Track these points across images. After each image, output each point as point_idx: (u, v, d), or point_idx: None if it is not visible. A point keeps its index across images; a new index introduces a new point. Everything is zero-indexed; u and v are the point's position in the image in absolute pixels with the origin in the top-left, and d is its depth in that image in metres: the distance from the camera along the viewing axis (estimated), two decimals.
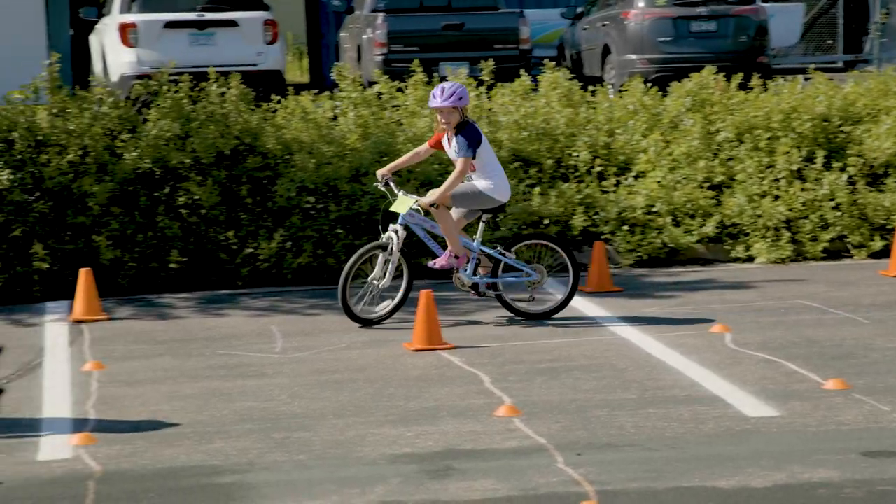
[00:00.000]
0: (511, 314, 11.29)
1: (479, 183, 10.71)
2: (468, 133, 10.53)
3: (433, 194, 10.58)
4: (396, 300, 11.13)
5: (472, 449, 7.91)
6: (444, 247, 11.35)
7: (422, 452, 7.86)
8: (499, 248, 11.10)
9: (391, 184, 10.91)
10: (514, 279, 11.17)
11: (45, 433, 8.39)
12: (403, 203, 10.78)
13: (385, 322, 11.21)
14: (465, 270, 10.97)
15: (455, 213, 10.83)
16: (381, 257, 10.87)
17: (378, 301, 11.09)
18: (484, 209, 10.88)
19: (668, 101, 14.78)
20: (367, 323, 11.04)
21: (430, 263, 10.92)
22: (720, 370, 9.53)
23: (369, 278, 10.93)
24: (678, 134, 14.36)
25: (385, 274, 10.85)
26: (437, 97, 10.55)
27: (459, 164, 10.53)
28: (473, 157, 10.60)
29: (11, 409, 8.87)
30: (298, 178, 13.26)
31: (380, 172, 10.94)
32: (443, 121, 10.59)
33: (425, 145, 10.90)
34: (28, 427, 8.53)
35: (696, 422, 8.32)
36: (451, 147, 10.66)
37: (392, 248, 10.84)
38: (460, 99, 10.53)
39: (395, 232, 10.87)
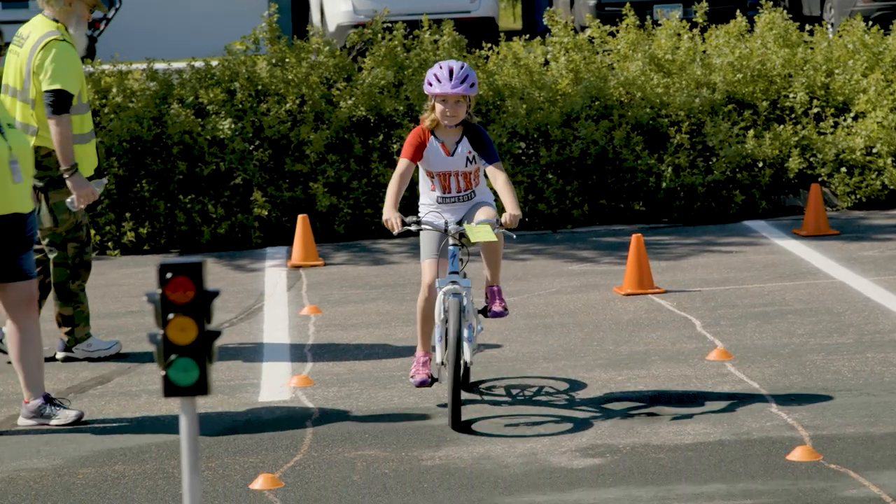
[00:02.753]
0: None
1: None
2: (485, 134, 7.61)
3: (516, 207, 7.43)
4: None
5: (684, 393, 7.88)
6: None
7: (632, 396, 7.87)
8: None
9: (422, 221, 7.57)
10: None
11: (265, 375, 8.64)
12: (482, 229, 7.46)
13: (595, 266, 11.20)
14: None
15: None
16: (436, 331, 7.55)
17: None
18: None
19: (890, 39, 14.37)
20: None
21: (494, 311, 7.91)
22: None
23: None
24: None
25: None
26: (444, 80, 7.47)
27: (501, 173, 7.54)
28: None
29: (234, 352, 9.15)
30: (510, 123, 13.30)
31: (395, 219, 7.36)
32: (447, 113, 7.47)
33: (405, 161, 7.51)
34: (249, 369, 8.78)
35: None
36: (456, 153, 7.61)
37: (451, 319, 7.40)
38: (472, 85, 7.51)
39: (457, 295, 7.41)
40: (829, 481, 6.41)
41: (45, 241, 8.83)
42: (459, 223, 7.57)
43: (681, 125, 13.46)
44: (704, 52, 14.22)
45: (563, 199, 13.13)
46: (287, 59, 13.64)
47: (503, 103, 13.50)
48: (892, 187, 13.26)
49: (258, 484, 6.66)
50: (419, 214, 7.69)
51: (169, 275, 4.30)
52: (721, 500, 6.25)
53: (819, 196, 12.28)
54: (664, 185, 13.15)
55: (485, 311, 7.89)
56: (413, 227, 7.42)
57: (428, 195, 7.71)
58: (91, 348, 9.08)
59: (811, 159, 13.46)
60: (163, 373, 4.32)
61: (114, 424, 7.73)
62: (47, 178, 8.70)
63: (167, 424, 7.69)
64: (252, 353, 9.20)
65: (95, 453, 7.30)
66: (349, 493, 6.52)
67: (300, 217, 12.05)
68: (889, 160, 13.30)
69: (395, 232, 7.31)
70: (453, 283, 7.42)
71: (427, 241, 7.59)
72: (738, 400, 7.71)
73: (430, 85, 7.52)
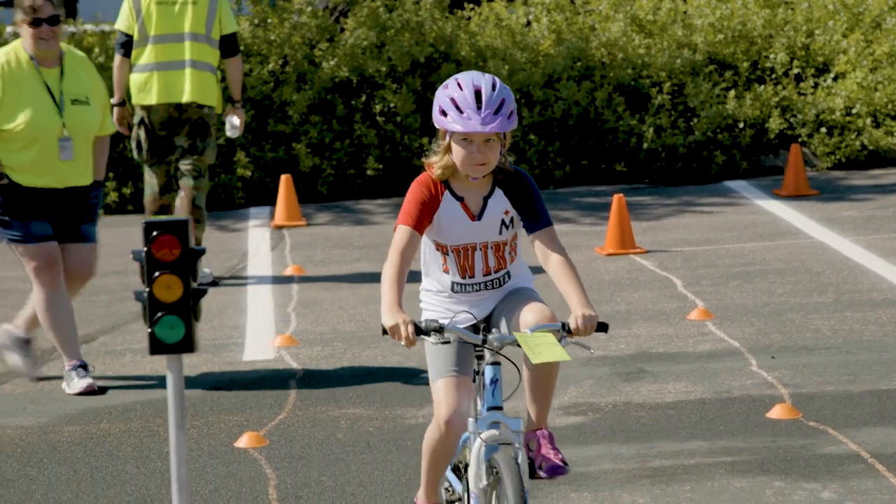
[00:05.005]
0: None
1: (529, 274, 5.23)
2: (531, 182, 5.03)
3: (588, 303, 4.86)
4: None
5: (665, 352, 7.95)
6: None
7: (614, 355, 7.94)
8: None
9: (447, 327, 4.84)
10: None
11: (249, 335, 8.68)
12: (545, 341, 4.76)
13: (577, 226, 11.25)
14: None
15: None
16: None
17: None
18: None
19: (869, 0, 14.42)
20: None
21: (550, 465, 5.07)
22: None
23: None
24: (880, 33, 14.00)
25: None
26: (469, 109, 4.84)
27: (557, 246, 4.95)
28: None
29: (217, 312, 9.19)
30: None
31: (405, 325, 4.72)
32: (474, 160, 4.87)
33: (406, 231, 4.91)
34: (233, 329, 8.83)
35: (895, 324, 8.22)
36: (486, 216, 4.98)
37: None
38: (511, 115, 4.89)
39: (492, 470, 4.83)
40: (808, 438, 6.48)
41: (195, 171, 9.72)
42: (487, 323, 4.98)
43: (662, 86, 13.50)
44: (685, 12, 14.25)
45: (544, 159, 13.17)
46: (269, 20, 13.63)
47: (485, 64, 13.51)
48: (871, 147, 13.32)
49: (243, 442, 6.71)
50: (423, 308, 5.12)
51: (155, 233, 4.34)
52: (702, 458, 6.32)
53: (799, 156, 12.34)
54: (645, 145, 13.20)
55: (531, 469, 5.06)
56: (433, 340, 4.76)
57: (436, 279, 5.04)
58: (203, 275, 9.88)
59: (791, 120, 13.51)
60: (149, 330, 4.36)
61: (99, 383, 7.77)
62: (214, 117, 9.84)
63: (152, 383, 7.74)
64: (236, 312, 9.24)
65: (81, 411, 7.34)
66: (333, 451, 6.58)
67: (283, 177, 12.08)
68: (868, 120, 13.36)
69: (408, 345, 4.68)
70: (497, 424, 4.78)
71: (441, 350, 4.93)
72: (719, 359, 7.78)
73: (444, 115, 4.83)
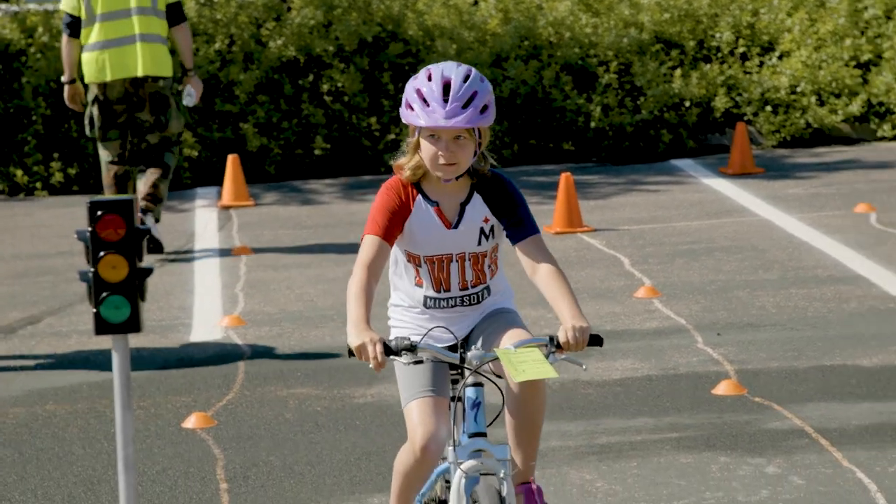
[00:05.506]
0: None
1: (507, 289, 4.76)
2: (512, 186, 4.57)
3: (580, 314, 4.38)
4: None
5: (612, 330, 7.99)
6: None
7: None
8: None
9: (420, 346, 4.33)
10: None
11: (196, 315, 8.66)
12: (530, 357, 4.26)
13: None
14: None
15: None
16: None
17: None
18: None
19: None
20: None
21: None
22: (864, 249, 9.46)
23: None
24: (824, 12, 14.10)
25: None
26: (435, 102, 4.38)
27: (546, 254, 4.52)
28: None
29: (164, 292, 9.16)
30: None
31: (373, 345, 4.20)
32: (441, 159, 4.40)
33: (373, 241, 4.44)
34: (180, 309, 8.80)
35: (838, 301, 8.29)
36: (463, 223, 4.51)
37: None
38: (485, 109, 4.41)
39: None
40: (753, 414, 6.54)
41: (165, 142, 9.98)
42: (465, 343, 4.52)
43: (609, 65, 13.54)
44: None
45: (496, 139, 13.19)
46: None
47: (433, 44, 13.50)
48: (815, 126, 13.42)
49: (190, 422, 6.70)
50: (392, 325, 4.64)
51: (100, 212, 4.31)
52: (648, 434, 6.37)
53: (745, 135, 12.41)
54: (593, 124, 13.24)
55: None
56: (405, 360, 4.24)
57: (406, 293, 4.58)
58: (150, 227, 10.00)
59: (737, 98, 13.59)
60: (94, 310, 4.34)
61: (45, 364, 7.73)
62: (171, 86, 10.04)
63: (98, 364, 7.70)
64: (183, 293, 9.21)
65: (26, 393, 7.30)
66: (281, 431, 6.58)
67: (230, 157, 12.04)
68: (813, 99, 13.45)
69: (377, 367, 4.18)
70: (480, 452, 4.29)
71: (413, 370, 4.48)
72: (666, 336, 7.82)
73: (411, 109, 4.39)
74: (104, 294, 4.34)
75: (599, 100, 13.30)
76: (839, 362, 7.22)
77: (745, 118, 13.51)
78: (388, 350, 4.19)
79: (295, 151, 13.11)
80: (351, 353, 4.22)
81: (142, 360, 7.71)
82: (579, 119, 13.24)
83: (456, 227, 4.50)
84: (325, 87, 13.24)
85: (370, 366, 4.19)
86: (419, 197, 4.50)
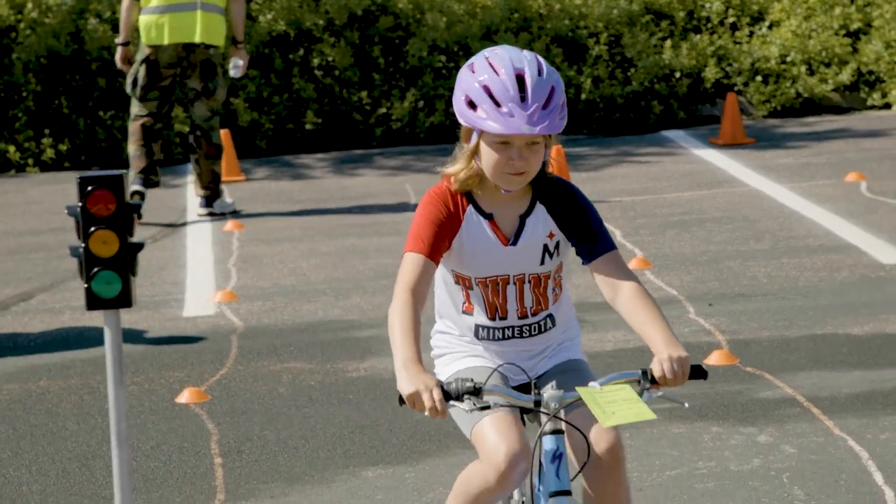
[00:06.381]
0: None
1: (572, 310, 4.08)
2: (580, 195, 3.89)
3: (677, 342, 3.72)
4: None
5: (604, 302, 7.97)
6: None
7: None
8: None
9: (486, 389, 3.64)
10: None
11: (189, 290, 8.67)
12: (619, 395, 3.57)
13: None
14: None
15: None
16: None
17: None
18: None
19: None
20: None
21: None
22: (855, 218, 9.48)
23: None
24: None
25: None
26: (510, 101, 3.68)
27: (628, 273, 3.86)
28: None
29: (157, 268, 9.17)
30: (430, 37, 13.30)
31: (430, 391, 3.52)
32: (512, 168, 3.74)
33: (417, 260, 3.75)
34: (173, 285, 8.81)
35: (829, 270, 8.32)
36: (523, 239, 3.84)
37: None
38: (563, 108, 3.80)
39: None
40: (745, 384, 6.56)
41: (209, 112, 10.33)
42: (537, 383, 3.70)
43: (599, 36, 13.53)
44: None
45: None
46: None
47: (423, 16, 13.49)
48: (806, 95, 13.43)
49: (184, 398, 6.71)
50: (437, 354, 4.01)
51: (90, 188, 4.32)
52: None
53: (735, 105, 12.42)
54: (584, 96, 13.24)
55: None
56: (467, 407, 3.56)
57: (454, 320, 3.95)
58: (226, 205, 10.52)
59: (727, 69, 13.59)
60: (85, 286, 4.35)
61: (38, 340, 7.74)
62: (220, 56, 10.36)
63: (91, 340, 7.71)
64: (176, 268, 9.22)
65: (20, 369, 7.31)
66: (275, 406, 6.59)
67: (221, 132, 12.01)
68: (803, 68, 13.46)
69: (435, 416, 3.54)
70: None
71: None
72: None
73: (473, 108, 3.71)
74: (95, 269, 4.35)
75: (590, 71, 13.29)
76: (830, 331, 7.24)
77: (736, 88, 13.51)
78: (448, 395, 3.53)
79: (286, 126, 13.10)
80: (402, 401, 3.54)
81: (135, 336, 7.73)
82: (570, 91, 13.24)
83: (514, 243, 3.81)
84: (316, 61, 13.23)
85: (426, 414, 3.51)
86: (470, 208, 3.81)
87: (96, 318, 7.81)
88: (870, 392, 6.37)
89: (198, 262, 9.37)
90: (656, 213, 10.02)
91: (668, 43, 13.44)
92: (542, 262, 3.83)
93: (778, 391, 6.45)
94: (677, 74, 13.42)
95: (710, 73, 13.43)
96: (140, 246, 4.39)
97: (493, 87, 3.67)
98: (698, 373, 3.61)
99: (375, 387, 6.79)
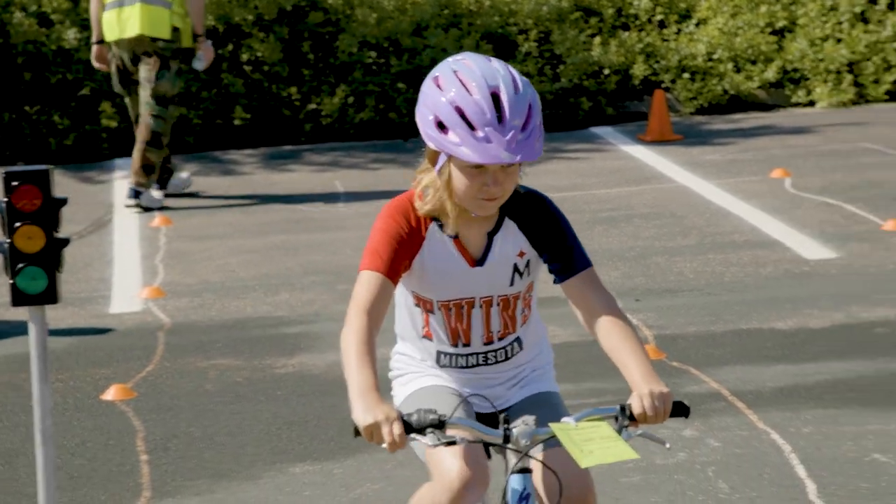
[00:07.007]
0: None
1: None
2: (556, 211, 3.61)
3: (656, 377, 3.45)
4: None
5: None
6: None
7: None
8: None
9: (449, 422, 3.33)
10: None
11: (115, 287, 8.61)
12: (598, 433, 3.30)
13: None
14: None
15: None
16: None
17: None
18: None
19: None
20: None
21: None
22: (780, 214, 9.58)
23: None
24: None
25: None
26: (487, 125, 3.33)
27: (606, 296, 3.56)
28: None
29: (83, 264, 9.10)
30: (360, 32, 13.29)
31: (389, 423, 3.24)
32: (485, 194, 3.42)
33: (374, 279, 3.45)
34: (99, 281, 8.75)
35: (755, 265, 8.40)
36: (490, 258, 3.54)
37: None
38: (540, 129, 3.41)
39: None
40: (671, 378, 6.62)
41: (152, 99, 10.36)
42: (507, 417, 3.36)
43: (529, 33, 13.58)
44: None
45: (413, 107, 13.17)
46: None
47: (353, 12, 13.47)
48: (732, 92, 13.54)
49: (110, 394, 6.67)
50: (396, 375, 3.74)
51: (15, 183, 4.29)
52: (569, 399, 6.36)
53: (663, 102, 12.50)
54: None
55: None
56: (430, 441, 3.27)
57: (414, 344, 3.69)
58: (154, 200, 10.49)
59: (655, 66, 13.68)
60: (10, 281, 4.32)
61: None
62: (173, 47, 10.35)
63: (16, 336, 7.64)
64: (102, 265, 9.16)
65: None
66: (202, 402, 6.57)
67: None
68: (730, 65, 13.57)
69: (393, 449, 3.25)
70: None
71: (430, 401, 3.57)
72: None
73: (443, 131, 3.37)
74: (20, 265, 4.32)
75: (519, 68, 13.33)
76: (755, 326, 7.32)
77: (663, 85, 13.61)
78: (409, 428, 3.25)
79: (215, 121, 13.04)
80: (357, 433, 3.25)
81: (60, 333, 7.67)
82: None
83: (482, 263, 3.50)
84: (245, 56, 13.18)
85: (384, 447, 3.23)
86: (433, 225, 3.47)
87: (21, 314, 7.74)
88: (793, 386, 6.45)
89: (124, 258, 9.31)
90: (584, 209, 10.08)
91: (597, 40, 13.51)
92: (512, 283, 3.52)
93: (704, 385, 6.51)
94: (606, 71, 13.49)
95: (639, 70, 13.51)
96: (66, 241, 4.37)
97: (466, 108, 3.30)
98: (680, 410, 3.38)
99: (304, 383, 6.79)
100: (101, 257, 9.34)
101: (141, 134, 10.42)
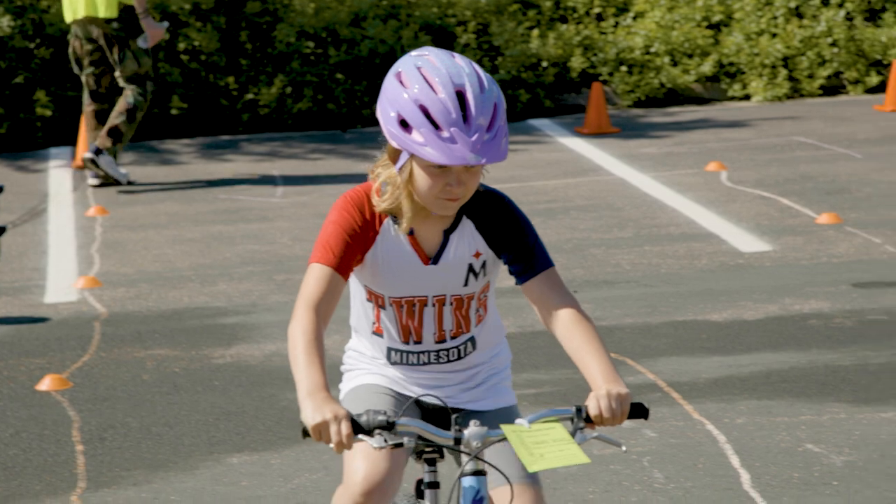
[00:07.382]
0: None
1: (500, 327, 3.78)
2: (517, 211, 3.53)
3: (617, 376, 3.35)
4: None
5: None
6: None
7: None
8: None
9: (399, 423, 3.30)
10: None
11: (51, 276, 8.55)
12: (550, 435, 3.24)
13: None
14: None
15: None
16: None
17: None
18: None
19: None
20: None
21: None
22: (715, 207, 9.66)
23: None
24: None
25: None
26: (452, 125, 3.26)
27: (567, 296, 3.55)
28: None
29: (18, 253, 9.03)
30: (298, 22, 13.25)
31: (338, 422, 3.18)
32: (448, 194, 3.34)
33: (323, 272, 3.37)
34: (34, 271, 8.68)
35: (691, 258, 8.46)
36: (445, 257, 3.47)
37: None
38: (505, 130, 3.36)
39: None
40: None
41: (126, 82, 10.55)
42: (458, 417, 3.31)
43: (467, 25, 13.59)
44: None
45: (352, 98, 13.17)
46: None
47: (291, 2, 13.43)
48: (669, 86, 13.62)
49: (45, 385, 6.63)
50: (348, 370, 3.69)
51: None
52: (542, 388, 6.44)
53: (600, 95, 12.56)
54: None
55: None
56: (375, 443, 3.21)
57: (367, 340, 3.63)
58: (113, 167, 10.63)
59: (593, 59, 13.73)
60: None
61: None
62: (126, 28, 10.49)
63: None
64: (37, 254, 9.09)
65: None
66: (139, 392, 6.54)
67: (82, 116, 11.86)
68: (667, 59, 13.65)
69: (340, 450, 3.20)
70: None
71: (360, 405, 3.50)
72: (522, 294, 7.89)
73: (407, 130, 3.29)
74: None
75: None
76: (691, 318, 7.38)
77: (601, 78, 13.67)
78: (358, 428, 3.19)
79: (151, 111, 12.96)
80: (306, 434, 3.18)
81: None
82: None
83: (436, 262, 3.43)
84: (182, 45, 13.11)
85: (331, 447, 3.17)
86: (388, 220, 3.40)
87: None
88: (727, 377, 6.51)
89: (60, 247, 9.25)
90: (522, 200, 10.09)
91: (536, 32, 13.54)
92: (466, 284, 3.45)
93: (640, 376, 6.55)
94: (544, 63, 13.53)
95: (577, 62, 13.56)
96: (2, 230, 4.33)
97: (431, 108, 3.22)
98: (638, 411, 3.28)
99: (241, 373, 6.77)
100: (36, 246, 9.27)
101: (119, 106, 10.61)
